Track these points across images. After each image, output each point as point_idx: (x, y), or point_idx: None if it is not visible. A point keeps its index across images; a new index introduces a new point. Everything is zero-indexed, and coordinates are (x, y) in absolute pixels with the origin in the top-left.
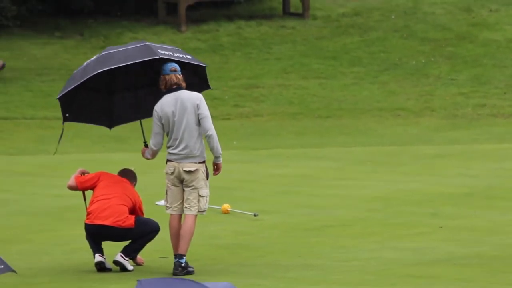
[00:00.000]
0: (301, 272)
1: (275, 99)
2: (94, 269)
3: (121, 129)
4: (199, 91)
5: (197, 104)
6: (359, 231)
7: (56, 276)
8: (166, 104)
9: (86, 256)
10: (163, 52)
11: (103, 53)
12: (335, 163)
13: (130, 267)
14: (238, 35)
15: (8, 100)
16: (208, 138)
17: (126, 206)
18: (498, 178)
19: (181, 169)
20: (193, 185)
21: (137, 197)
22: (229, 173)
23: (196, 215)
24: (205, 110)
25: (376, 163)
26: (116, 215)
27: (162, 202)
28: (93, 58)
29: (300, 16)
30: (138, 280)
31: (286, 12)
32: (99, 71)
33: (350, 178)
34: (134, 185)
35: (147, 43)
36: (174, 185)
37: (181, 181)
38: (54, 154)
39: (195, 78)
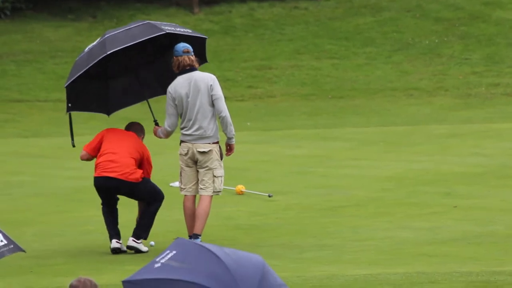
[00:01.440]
0: (315, 252)
1: (288, 80)
2: (109, 250)
3: (134, 111)
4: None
5: (211, 85)
6: (373, 211)
7: (71, 257)
8: (179, 85)
9: (100, 237)
10: (166, 28)
11: (106, 36)
12: (348, 143)
13: (144, 249)
14: (250, 16)
15: (21, 83)
16: (221, 119)
17: (133, 158)
18: None
19: (195, 150)
20: (207, 166)
21: (144, 149)
22: (243, 154)
23: (212, 195)
24: (218, 91)
25: (389, 143)
26: (123, 167)
27: (176, 184)
28: (95, 43)
29: None
30: (177, 237)
31: None
32: (109, 52)
33: (363, 158)
34: (142, 138)
35: (148, 21)
36: (188, 166)
37: (195, 162)
38: (74, 147)
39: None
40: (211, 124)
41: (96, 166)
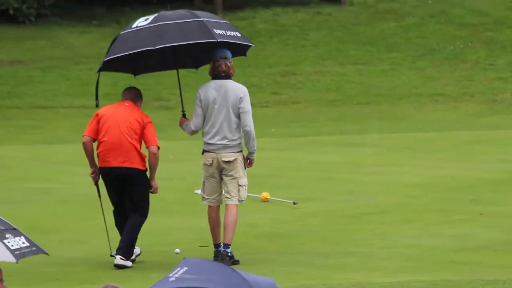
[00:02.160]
0: (341, 260)
1: (312, 86)
2: (134, 258)
3: (159, 117)
4: (239, 51)
5: (241, 97)
6: (399, 217)
7: (94, 265)
8: (209, 89)
9: None
10: (218, 32)
11: (158, 23)
12: (374, 149)
13: (128, 264)
14: (274, 22)
15: (46, 89)
16: (245, 133)
17: (135, 138)
18: None
19: (220, 160)
20: (232, 175)
21: (144, 117)
22: (268, 161)
23: (238, 204)
24: (247, 105)
25: (415, 149)
26: (124, 154)
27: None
28: (145, 24)
29: (336, 2)
30: (184, 258)
31: None
32: (157, 47)
33: (389, 165)
34: (140, 104)
35: (201, 18)
36: (213, 177)
37: (220, 171)
38: (97, 106)
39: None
40: (236, 135)
41: (98, 155)
